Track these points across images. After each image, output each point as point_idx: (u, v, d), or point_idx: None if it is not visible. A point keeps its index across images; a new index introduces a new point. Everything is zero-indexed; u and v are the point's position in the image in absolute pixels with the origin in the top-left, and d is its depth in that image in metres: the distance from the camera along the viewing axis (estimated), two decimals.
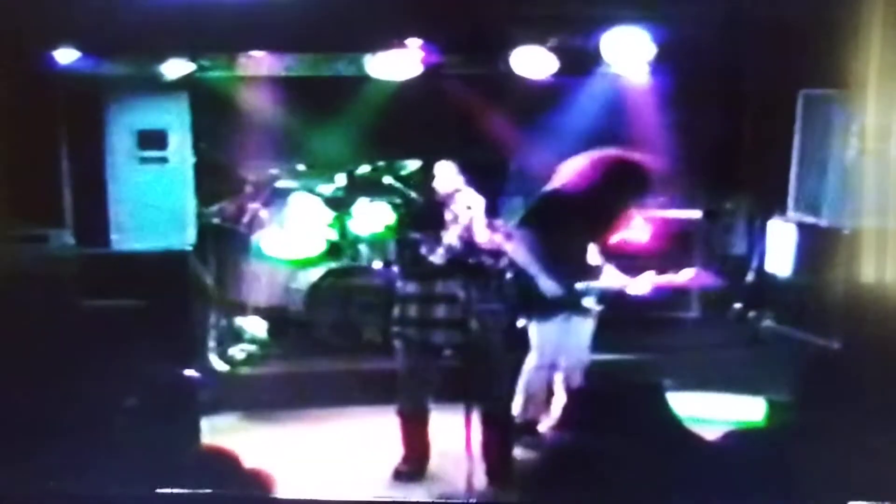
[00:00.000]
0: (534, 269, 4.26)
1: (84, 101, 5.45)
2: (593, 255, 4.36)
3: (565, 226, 4.23)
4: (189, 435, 3.59)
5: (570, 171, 4.30)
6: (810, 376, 2.44)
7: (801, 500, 2.04)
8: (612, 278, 4.32)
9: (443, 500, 4.02)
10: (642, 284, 4.27)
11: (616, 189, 4.22)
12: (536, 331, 4.36)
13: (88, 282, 4.87)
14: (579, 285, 4.29)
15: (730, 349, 5.18)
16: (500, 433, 4.17)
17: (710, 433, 2.27)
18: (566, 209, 4.23)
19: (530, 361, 4.39)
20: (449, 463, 4.25)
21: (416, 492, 4.21)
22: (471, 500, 3.77)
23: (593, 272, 4.32)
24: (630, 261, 4.52)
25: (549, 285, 4.25)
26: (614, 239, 4.38)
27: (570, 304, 4.29)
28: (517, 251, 4.26)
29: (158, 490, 1.97)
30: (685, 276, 4.32)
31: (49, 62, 5.21)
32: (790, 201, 5.14)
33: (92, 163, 5.51)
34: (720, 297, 5.62)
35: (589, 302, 4.33)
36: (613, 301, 4.36)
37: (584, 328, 4.35)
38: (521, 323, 4.40)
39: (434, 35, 5.35)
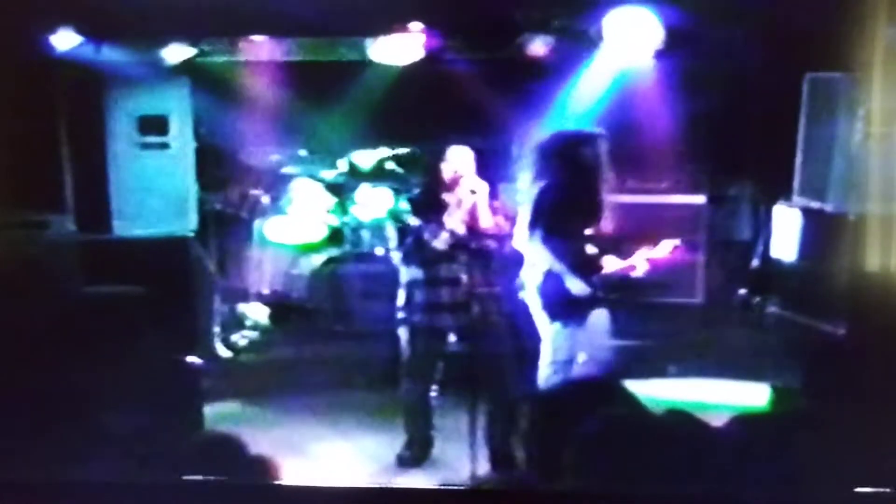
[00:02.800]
0: (559, 269, 4.11)
1: (84, 86, 5.42)
2: (590, 244, 4.22)
3: (565, 220, 4.10)
4: (192, 422, 3.60)
5: (534, 164, 4.17)
6: (815, 362, 2.44)
7: (805, 485, 2.04)
8: (611, 264, 4.18)
9: (446, 486, 4.02)
10: (639, 263, 4.12)
11: (579, 167, 4.09)
12: (552, 329, 4.20)
13: (90, 268, 4.86)
14: (588, 276, 4.14)
15: (734, 335, 5.16)
16: (504, 418, 4.16)
17: (715, 419, 2.26)
18: (557, 203, 4.09)
19: (546, 358, 4.22)
20: (452, 449, 4.25)
21: (420, 477, 4.22)
22: (474, 486, 3.76)
23: (596, 261, 4.20)
24: (630, 248, 4.43)
25: (576, 284, 4.10)
26: (606, 222, 4.18)
27: (584, 298, 4.14)
28: (539, 255, 4.12)
29: (162, 477, 1.96)
30: (665, 248, 4.18)
31: (49, 48, 5.17)
32: (795, 186, 5.08)
33: (93, 149, 5.48)
34: (725, 283, 5.58)
35: (598, 292, 4.17)
36: (620, 288, 4.27)
37: (598, 321, 4.20)
38: (536, 318, 4.25)
39: (436, 19, 5.30)
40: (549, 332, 4.22)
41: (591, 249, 4.18)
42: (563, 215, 4.10)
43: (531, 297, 4.20)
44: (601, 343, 4.22)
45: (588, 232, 4.18)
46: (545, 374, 4.22)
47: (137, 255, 5.13)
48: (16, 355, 3.13)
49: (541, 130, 5.42)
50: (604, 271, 4.16)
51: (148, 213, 5.46)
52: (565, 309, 4.14)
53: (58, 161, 5.44)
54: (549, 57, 5.43)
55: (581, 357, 4.17)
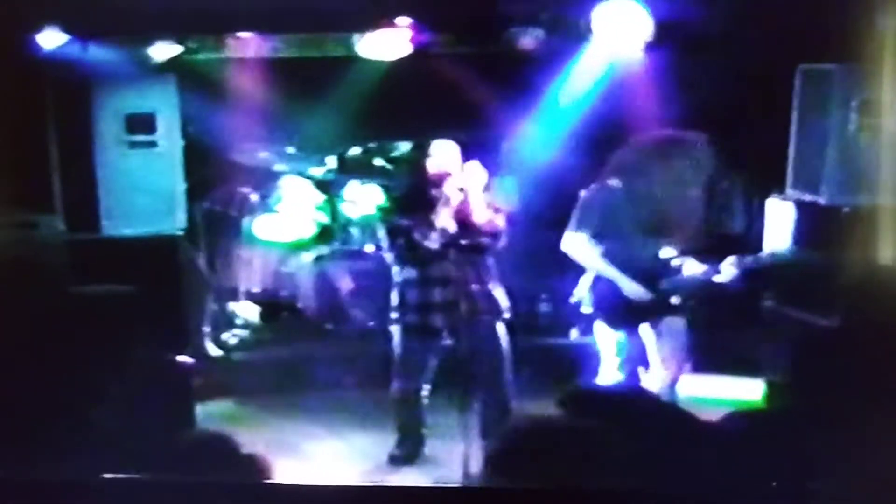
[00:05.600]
0: (612, 273, 3.99)
1: (71, 85, 5.36)
2: (664, 248, 4.07)
3: (630, 220, 3.99)
4: (183, 421, 3.57)
5: (619, 162, 4.04)
6: (809, 357, 2.42)
7: (801, 482, 2.03)
8: (692, 269, 4.03)
9: (438, 485, 4.00)
10: (727, 271, 3.98)
11: (674, 172, 3.96)
12: (608, 341, 4.09)
13: (79, 267, 4.83)
14: (661, 283, 4.02)
15: (728, 330, 5.15)
16: (497, 417, 4.14)
17: (709, 414, 2.25)
18: (628, 200, 3.99)
19: (606, 375, 4.12)
20: (444, 447, 4.24)
21: (412, 476, 4.20)
22: (466, 485, 3.74)
23: (668, 267, 4.05)
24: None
25: (634, 288, 3.98)
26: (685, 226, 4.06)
27: (655, 306, 4.02)
28: (585, 258, 4.03)
29: (152, 476, 1.94)
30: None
31: (35, 47, 5.13)
32: (788, 179, 5.07)
33: (80, 148, 5.43)
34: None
35: (674, 300, 4.04)
36: (699, 295, 4.06)
37: (671, 332, 4.07)
38: (599, 332, 4.14)
39: (423, 13, 5.28)
40: (606, 344, 4.09)
41: (660, 255, 4.04)
42: (623, 221, 3.98)
43: (585, 302, 4.07)
44: (675, 357, 4.06)
45: (654, 237, 4.04)
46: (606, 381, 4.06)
47: (127, 254, 5.10)
48: (4, 355, 3.09)
49: (533, 127, 5.40)
50: (682, 276, 4.02)
51: (136, 212, 5.41)
52: (625, 316, 4.02)
53: (46, 161, 5.39)
54: (538, 50, 5.40)
55: (656, 372, 4.02)
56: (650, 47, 5.16)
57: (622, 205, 4.00)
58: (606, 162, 4.13)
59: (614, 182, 4.03)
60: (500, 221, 4.16)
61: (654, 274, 4.05)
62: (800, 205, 4.97)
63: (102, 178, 5.44)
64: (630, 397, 2.39)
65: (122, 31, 5.35)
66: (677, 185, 3.99)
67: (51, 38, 5.17)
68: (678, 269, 4.08)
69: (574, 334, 4.59)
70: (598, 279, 4.07)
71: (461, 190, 4.10)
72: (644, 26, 5.03)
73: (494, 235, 4.15)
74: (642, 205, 3.99)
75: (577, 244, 4.04)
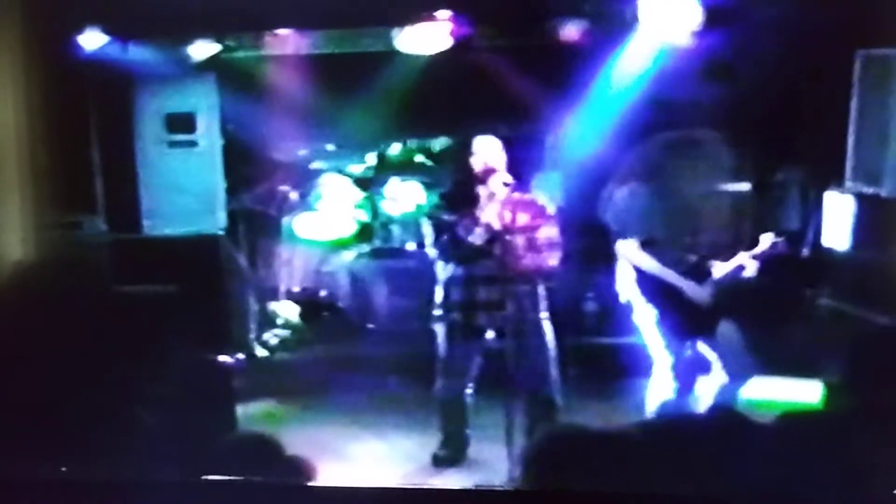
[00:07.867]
0: (669, 275, 3.90)
1: (111, 86, 5.41)
2: (716, 247, 3.99)
3: (670, 221, 3.93)
4: (225, 421, 3.54)
5: (641, 163, 3.99)
6: (870, 356, 2.33)
7: (859, 486, 1.92)
8: (744, 266, 3.94)
9: (483, 487, 3.92)
10: (746, 262, 3.90)
11: (693, 170, 3.91)
12: (661, 343, 3.96)
13: (121, 267, 4.85)
14: (717, 283, 3.92)
15: (785, 328, 4.98)
16: (543, 417, 4.05)
17: (765, 416, 2.16)
18: (660, 201, 3.93)
19: (662, 385, 3.98)
20: (489, 448, 4.16)
21: (456, 478, 4.13)
22: (511, 487, 3.65)
23: (721, 266, 3.96)
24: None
25: (693, 290, 3.90)
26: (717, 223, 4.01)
27: (713, 307, 3.92)
28: (642, 262, 3.94)
29: (195, 477, 1.90)
30: (766, 243, 3.95)
31: (76, 48, 5.17)
32: (847, 171, 4.88)
33: (122, 148, 5.49)
34: (774, 274, 5.39)
35: (731, 300, 3.96)
36: (754, 292, 3.98)
37: (729, 334, 4.05)
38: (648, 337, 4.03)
39: (464, 5, 5.20)
40: (665, 356, 3.96)
41: (691, 253, 3.95)
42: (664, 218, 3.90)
43: (640, 311, 3.98)
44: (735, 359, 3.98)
45: (688, 233, 3.95)
46: (662, 400, 3.94)
47: (168, 253, 5.11)
48: (50, 354, 3.10)
49: (577, 120, 5.29)
50: (713, 275, 3.93)
51: (177, 211, 5.44)
52: (682, 318, 3.92)
53: (88, 161, 5.45)
54: (583, 41, 5.29)
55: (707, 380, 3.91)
56: (699, 35, 5.00)
57: (657, 206, 3.94)
58: (628, 162, 4.08)
59: (640, 184, 3.97)
60: (546, 218, 4.07)
61: (708, 274, 3.96)
62: (860, 197, 4.80)
63: (143, 178, 5.49)
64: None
65: (161, 32, 5.38)
66: (701, 183, 3.94)
67: (92, 40, 5.22)
68: (731, 268, 3.96)
69: (622, 334, 4.47)
70: (653, 281, 3.97)
71: (505, 185, 4.02)
72: (692, 14, 4.89)
73: (540, 232, 4.06)
74: (676, 205, 3.93)
75: (630, 251, 3.98)
